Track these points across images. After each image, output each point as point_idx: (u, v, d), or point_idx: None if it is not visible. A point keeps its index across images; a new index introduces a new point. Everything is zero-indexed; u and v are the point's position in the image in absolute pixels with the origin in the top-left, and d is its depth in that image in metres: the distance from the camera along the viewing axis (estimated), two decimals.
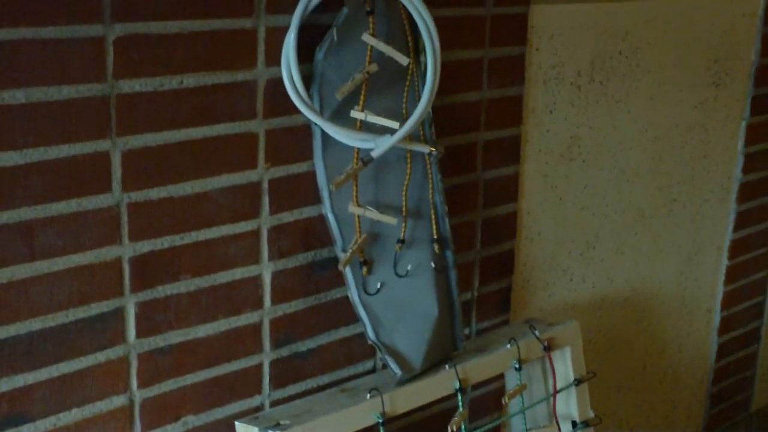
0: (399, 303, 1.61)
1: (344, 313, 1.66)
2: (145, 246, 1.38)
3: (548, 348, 1.75)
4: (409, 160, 1.59)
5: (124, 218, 1.35)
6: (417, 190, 1.63)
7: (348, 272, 1.57)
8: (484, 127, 1.83)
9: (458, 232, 1.76)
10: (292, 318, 1.60)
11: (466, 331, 1.88)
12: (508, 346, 1.71)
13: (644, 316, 2.43)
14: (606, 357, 2.34)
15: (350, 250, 1.53)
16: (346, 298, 1.62)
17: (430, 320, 1.63)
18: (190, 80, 1.37)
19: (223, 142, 1.44)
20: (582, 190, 2.13)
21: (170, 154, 1.38)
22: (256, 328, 1.56)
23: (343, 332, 1.69)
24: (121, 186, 1.33)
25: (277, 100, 1.48)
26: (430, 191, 1.63)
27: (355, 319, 1.64)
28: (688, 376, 2.58)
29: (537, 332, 1.75)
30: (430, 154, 1.57)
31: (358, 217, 1.54)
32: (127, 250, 1.36)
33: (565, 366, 1.79)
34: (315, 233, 1.59)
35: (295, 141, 1.53)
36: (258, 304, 1.55)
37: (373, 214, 1.53)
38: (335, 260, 1.60)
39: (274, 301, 1.57)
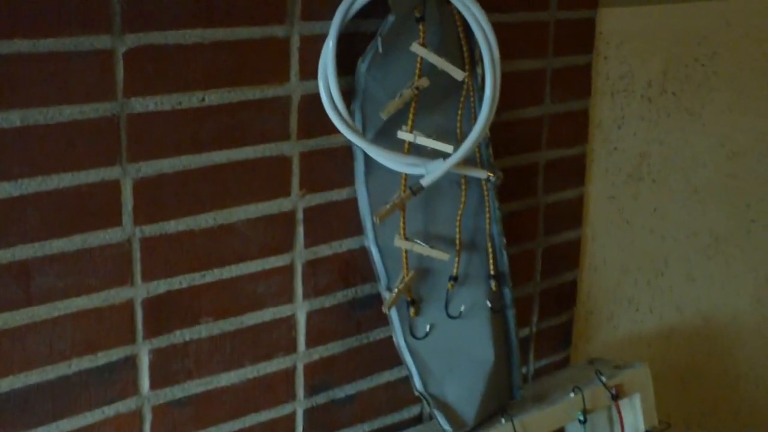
0: (450, 348, 1.42)
1: (388, 354, 1.47)
2: (160, 286, 1.21)
3: (616, 396, 1.54)
4: (463, 187, 1.40)
5: (137, 255, 1.18)
6: (472, 220, 1.44)
7: (393, 314, 1.38)
8: (545, 146, 1.63)
9: (516, 262, 1.57)
10: (329, 362, 1.42)
11: (524, 369, 1.69)
12: (572, 395, 1.51)
13: (716, 348, 2.21)
14: (674, 393, 2.13)
15: (396, 290, 1.34)
16: (391, 338, 1.44)
17: (485, 368, 1.43)
18: (213, 97, 1.19)
19: (251, 167, 1.26)
20: (651, 212, 1.92)
21: (190, 181, 1.20)
22: (289, 374, 1.38)
23: (387, 376, 1.50)
24: (132, 219, 1.16)
25: (313, 118, 1.30)
26: (487, 221, 1.44)
27: (400, 360, 1.46)
28: (765, 413, 2.35)
29: (603, 378, 1.54)
30: (487, 179, 1.38)
31: (406, 251, 1.35)
32: (140, 291, 1.19)
33: (634, 415, 1.59)
34: (356, 267, 1.41)
35: (334, 165, 1.34)
36: (291, 347, 1.37)
37: (422, 249, 1.34)
38: (378, 297, 1.42)
39: (310, 343, 1.39)
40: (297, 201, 1.32)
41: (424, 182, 1.30)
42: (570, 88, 1.64)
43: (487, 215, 1.44)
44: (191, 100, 1.18)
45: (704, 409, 2.24)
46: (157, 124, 1.16)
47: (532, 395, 1.54)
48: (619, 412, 1.56)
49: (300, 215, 1.33)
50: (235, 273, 1.28)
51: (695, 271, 2.08)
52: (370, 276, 1.42)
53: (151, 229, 1.18)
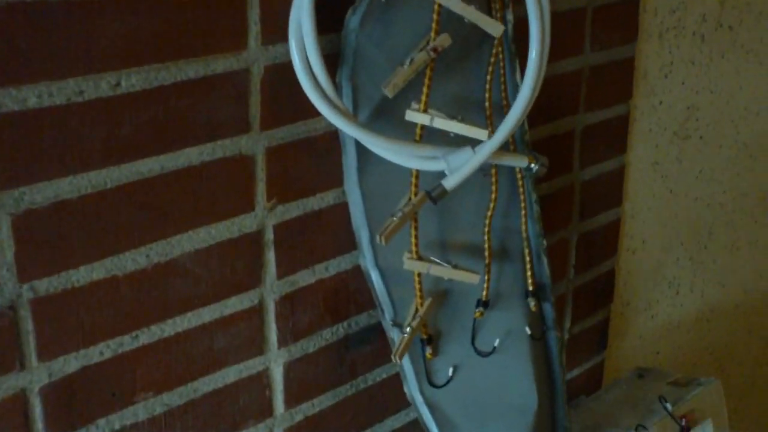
0: (481, 395, 1.05)
1: (390, 397, 1.11)
2: (69, 363, 0.82)
3: (686, 428, 1.19)
4: (494, 179, 1.01)
5: (27, 325, 0.78)
6: (501, 221, 1.06)
7: (405, 363, 1.00)
8: (584, 108, 1.25)
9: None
10: (316, 421, 1.05)
11: None
12: None
13: (757, 324, 1.88)
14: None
15: (408, 329, 0.96)
16: (394, 377, 1.07)
17: (527, 416, 1.07)
18: (134, 80, 0.79)
19: (197, 177, 0.86)
20: (696, 176, 1.56)
21: (104, 207, 0.80)
22: None
23: (391, 423, 1.14)
24: (15, 274, 0.76)
25: (283, 98, 0.90)
26: (523, 221, 1.06)
27: (404, 402, 1.09)
28: None
29: (669, 406, 1.19)
30: (528, 168, 0.99)
31: (419, 275, 0.97)
32: (35, 375, 0.80)
33: None
34: (347, 294, 1.03)
35: (314, 161, 0.95)
36: (265, 411, 0.99)
37: (443, 270, 0.96)
38: (377, 328, 1.05)
39: (290, 403, 1.01)
40: (264, 216, 0.92)
41: (448, 183, 0.91)
42: (614, 30, 1.25)
43: (523, 212, 1.06)
44: (99, 86, 0.77)
45: (742, 391, 1.92)
46: (46, 127, 0.74)
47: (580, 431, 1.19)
48: None
49: (269, 235, 0.94)
50: (182, 327, 0.89)
51: (740, 238, 1.73)
52: (366, 302, 1.04)
53: (46, 285, 0.78)
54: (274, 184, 0.92)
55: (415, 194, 0.94)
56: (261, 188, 0.91)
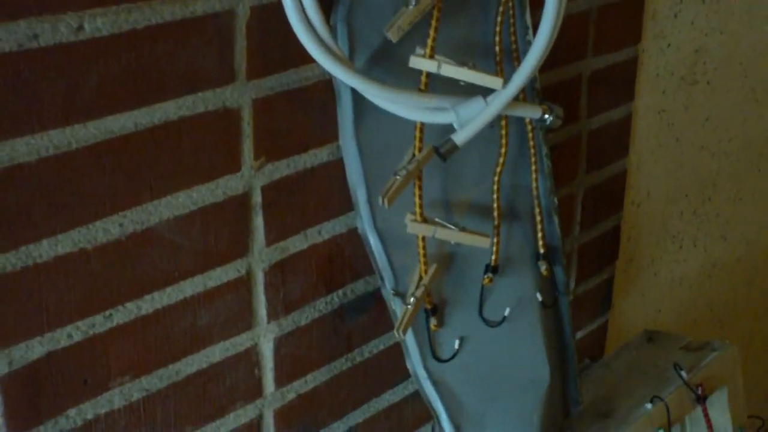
0: (490, 369, 0.96)
1: (388, 369, 1.02)
2: (32, 348, 0.72)
3: (703, 397, 1.11)
4: (503, 131, 0.91)
5: None
6: (509, 177, 0.96)
7: (407, 336, 0.91)
8: (591, 52, 1.15)
9: None
10: (310, 399, 0.96)
11: None
12: (649, 405, 1.07)
13: (757, 277, 1.81)
14: (713, 334, 1.74)
15: (412, 299, 0.87)
16: (393, 348, 0.99)
17: (540, 389, 0.99)
18: (99, 23, 0.68)
19: (175, 134, 0.75)
20: (703, 123, 1.47)
21: (70, 171, 0.69)
22: (254, 429, 0.91)
23: (388, 398, 1.05)
24: None
25: (272, 44, 0.79)
26: (534, 177, 0.96)
27: (403, 374, 1.00)
28: None
29: (684, 373, 1.11)
30: (541, 120, 0.89)
31: (424, 239, 0.87)
32: None
33: (722, 414, 1.17)
34: (343, 260, 0.93)
35: (306, 114, 0.85)
36: (255, 391, 0.90)
37: (450, 233, 0.86)
38: (375, 295, 0.96)
39: (281, 380, 0.92)
40: (251, 177, 0.82)
41: (459, 138, 0.81)
42: None
43: (533, 168, 0.97)
44: (57, 30, 0.66)
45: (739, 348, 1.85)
46: None
47: (591, 404, 1.11)
48: (707, 418, 1.13)
49: (257, 198, 0.83)
50: (161, 303, 0.79)
51: (743, 188, 1.65)
52: (363, 268, 0.95)
53: (3, 262, 0.68)
54: (263, 141, 0.82)
55: (420, 150, 0.84)
56: (248, 145, 0.81)
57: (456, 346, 0.94)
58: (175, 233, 0.78)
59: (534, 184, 0.97)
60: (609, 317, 1.40)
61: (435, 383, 0.94)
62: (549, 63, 1.08)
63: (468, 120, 0.81)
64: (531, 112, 0.89)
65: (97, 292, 0.74)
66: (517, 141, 0.96)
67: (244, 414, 0.90)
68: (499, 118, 0.90)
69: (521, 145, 0.96)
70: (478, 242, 0.88)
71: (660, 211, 1.45)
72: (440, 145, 0.80)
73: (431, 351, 0.93)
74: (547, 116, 0.90)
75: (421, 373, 0.93)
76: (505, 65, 0.89)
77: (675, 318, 1.60)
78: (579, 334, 1.33)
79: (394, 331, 0.87)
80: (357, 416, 1.02)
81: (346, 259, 0.94)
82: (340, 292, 0.94)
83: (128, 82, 0.70)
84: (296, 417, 0.95)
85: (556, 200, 1.00)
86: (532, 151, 0.96)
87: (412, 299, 0.87)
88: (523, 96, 0.94)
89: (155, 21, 0.70)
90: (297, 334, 0.92)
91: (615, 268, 1.37)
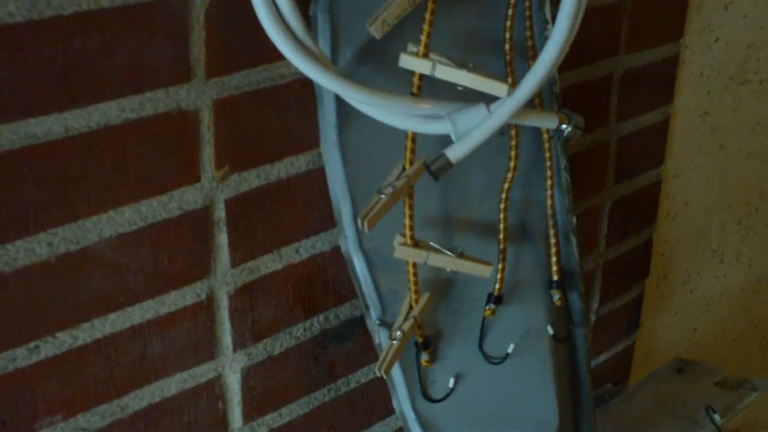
0: (489, 411, 0.85)
1: (377, 401, 0.91)
2: None
3: None
4: (514, 141, 0.79)
5: None
6: (521, 192, 0.84)
7: (394, 371, 0.80)
8: (624, 48, 1.02)
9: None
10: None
11: None
12: None
13: None
14: (755, 358, 1.60)
15: (399, 333, 0.75)
16: (382, 379, 0.87)
17: None
18: (13, 7, 0.56)
19: (120, 140, 0.64)
20: (752, 128, 1.33)
21: None
22: None
23: (380, 430, 0.94)
24: None
25: (237, 35, 0.68)
26: (549, 193, 0.84)
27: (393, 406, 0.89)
28: None
29: (718, 417, 0.98)
30: (558, 131, 0.77)
31: (414, 265, 0.76)
32: None
33: None
34: (324, 282, 0.82)
35: (280, 116, 0.73)
36: (218, 427, 0.79)
37: (444, 260, 0.74)
38: (362, 321, 0.84)
39: (250, 415, 0.81)
40: (213, 189, 0.71)
41: (454, 153, 0.69)
42: None
43: (549, 182, 0.84)
44: None
45: None
46: None
47: None
48: None
49: (220, 213, 0.72)
50: (102, 332, 0.69)
51: None
52: (348, 290, 0.84)
53: None
54: (226, 148, 0.71)
55: (412, 163, 0.72)
56: (208, 153, 0.70)
57: (451, 384, 0.82)
58: (118, 253, 0.67)
59: (549, 201, 0.85)
60: (636, 338, 1.27)
61: (424, 426, 0.82)
62: (574, 61, 0.96)
63: (467, 131, 0.69)
64: (545, 122, 0.76)
65: (17, 321, 0.63)
66: (531, 150, 0.84)
67: None
68: (508, 125, 0.78)
69: (536, 155, 0.84)
70: (478, 271, 0.76)
71: (698, 222, 1.32)
72: (431, 162, 0.69)
73: (421, 389, 0.81)
74: (564, 126, 0.78)
75: (409, 415, 0.81)
76: (517, 66, 0.77)
77: (713, 337, 1.47)
78: (602, 357, 1.21)
79: (376, 369, 0.75)
80: None
81: (329, 280, 0.82)
82: (321, 317, 0.83)
83: (54, 79, 0.59)
84: None
85: (575, 219, 0.87)
86: (549, 163, 0.83)
87: (398, 333, 0.76)
88: (539, 100, 0.81)
89: (87, 7, 0.59)
90: (269, 363, 0.81)
91: (645, 286, 1.24)
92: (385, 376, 0.75)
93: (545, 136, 0.83)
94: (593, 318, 1.16)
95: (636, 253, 1.19)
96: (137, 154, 0.66)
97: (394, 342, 0.75)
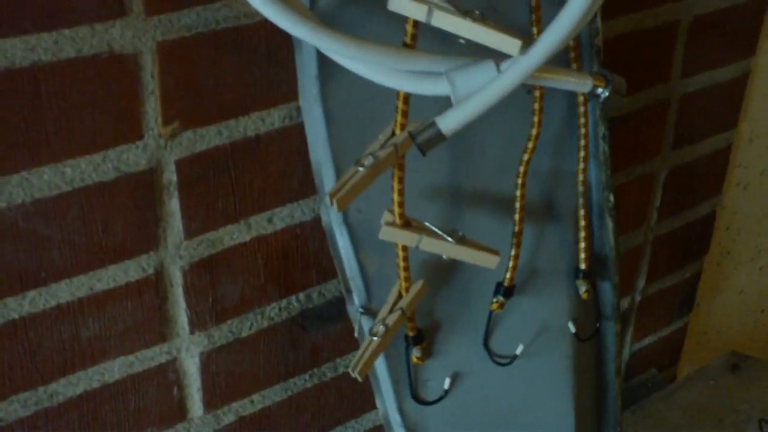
0: (490, 417, 0.72)
1: (370, 388, 0.79)
2: None
3: None
4: (537, 102, 0.65)
5: None
6: (548, 161, 0.70)
7: (378, 362, 0.68)
8: None
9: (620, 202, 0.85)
10: (258, 421, 0.75)
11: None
12: None
13: None
14: None
15: (380, 328, 0.63)
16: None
17: None
18: None
19: (32, 90, 0.52)
20: None
21: None
22: None
23: (372, 418, 0.83)
24: None
25: None
26: (581, 165, 0.70)
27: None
28: None
29: None
30: (593, 94, 0.62)
31: (404, 248, 0.63)
32: None
33: None
34: (306, 256, 0.70)
35: (246, 64, 0.60)
36: (174, 415, 0.69)
37: (441, 246, 0.61)
38: (343, 300, 0.72)
39: (213, 402, 0.71)
40: (160, 148, 0.59)
41: (447, 123, 0.55)
42: None
43: (582, 153, 0.70)
44: None
45: None
46: None
47: None
48: None
49: (170, 176, 0.60)
50: (19, 312, 0.58)
51: None
52: (331, 267, 0.71)
53: None
54: (176, 100, 0.58)
55: (403, 128, 0.59)
56: (153, 106, 0.58)
57: (446, 385, 0.70)
58: (36, 222, 0.56)
59: (581, 175, 0.71)
60: (690, 320, 1.13)
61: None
62: (633, 5, 0.80)
63: (468, 94, 0.55)
64: (575, 84, 0.62)
65: None
66: (563, 112, 0.70)
67: None
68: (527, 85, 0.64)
69: (569, 120, 0.70)
70: (482, 261, 0.63)
71: None
72: (418, 132, 0.55)
73: (411, 389, 0.69)
74: (600, 90, 0.63)
75: (394, 418, 0.70)
76: (546, 11, 0.62)
77: None
78: (646, 341, 1.08)
79: (350, 369, 0.63)
80: None
81: (310, 254, 0.70)
82: (301, 295, 0.72)
83: None
84: None
85: (612, 197, 0.73)
86: (583, 130, 0.69)
87: (381, 328, 0.63)
88: (576, 54, 0.67)
89: None
90: (236, 346, 0.70)
91: (704, 263, 1.09)
92: (359, 378, 0.63)
93: (580, 99, 0.68)
94: (638, 298, 1.02)
95: (694, 227, 1.04)
96: (57, 104, 0.54)
97: (374, 339, 0.63)
